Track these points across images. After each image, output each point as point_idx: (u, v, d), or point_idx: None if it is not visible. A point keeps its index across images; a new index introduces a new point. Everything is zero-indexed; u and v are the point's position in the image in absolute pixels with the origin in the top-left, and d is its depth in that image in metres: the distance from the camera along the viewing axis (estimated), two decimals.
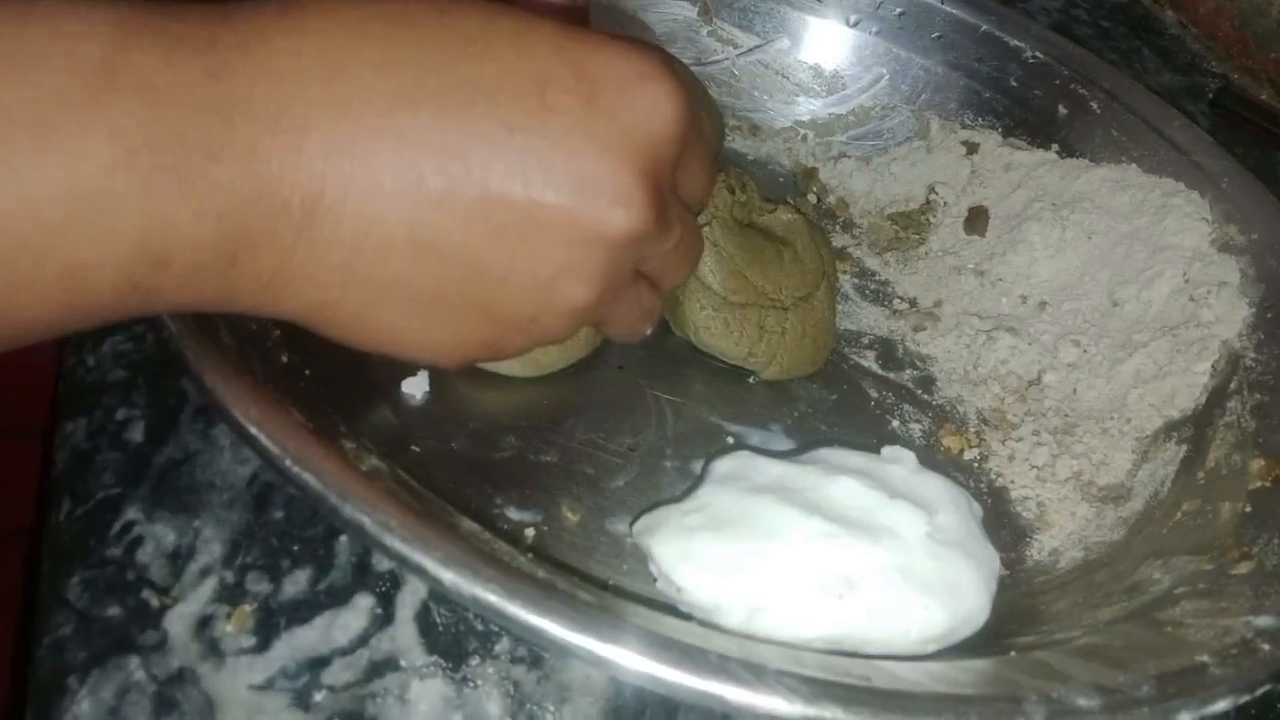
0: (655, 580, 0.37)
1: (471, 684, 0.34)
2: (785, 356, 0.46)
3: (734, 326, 0.45)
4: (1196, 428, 0.45)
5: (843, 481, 0.37)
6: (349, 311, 0.29)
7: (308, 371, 0.35)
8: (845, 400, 0.48)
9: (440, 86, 0.27)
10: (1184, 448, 0.44)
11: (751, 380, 0.47)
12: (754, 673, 0.28)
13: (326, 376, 0.36)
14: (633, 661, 0.27)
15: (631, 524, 0.39)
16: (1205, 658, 0.32)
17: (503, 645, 0.35)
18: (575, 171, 0.29)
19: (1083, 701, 0.29)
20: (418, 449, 0.39)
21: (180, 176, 0.25)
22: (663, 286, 0.37)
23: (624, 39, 0.31)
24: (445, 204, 0.28)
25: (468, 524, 0.32)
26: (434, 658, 0.34)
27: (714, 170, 0.37)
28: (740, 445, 0.44)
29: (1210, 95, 0.73)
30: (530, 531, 0.38)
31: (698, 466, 0.42)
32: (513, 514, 0.39)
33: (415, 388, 0.41)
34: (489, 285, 0.29)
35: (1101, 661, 0.32)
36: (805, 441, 0.45)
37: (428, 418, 0.41)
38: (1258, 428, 0.43)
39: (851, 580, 0.35)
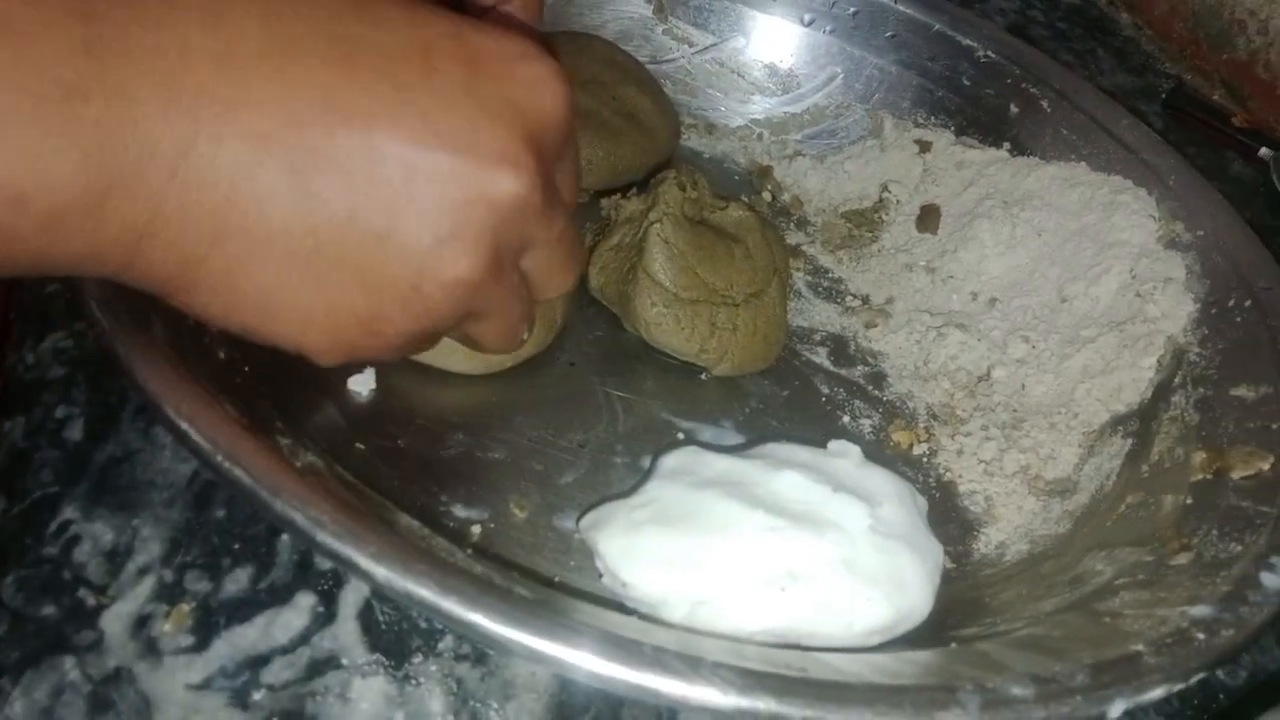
0: (601, 576, 0.37)
1: (414, 682, 0.33)
2: (736, 353, 0.46)
3: (685, 323, 0.45)
4: (1142, 422, 0.45)
5: (787, 475, 0.37)
6: (220, 269, 0.27)
7: (246, 369, 0.35)
8: (796, 396, 0.48)
9: (326, 40, 0.27)
10: (1129, 441, 0.45)
11: (703, 377, 0.47)
12: (689, 665, 0.28)
13: (267, 373, 0.36)
14: (566, 655, 0.27)
15: (579, 520, 0.39)
16: (1140, 647, 0.32)
17: (446, 643, 0.34)
18: (461, 129, 0.28)
19: (1017, 691, 0.29)
20: (362, 446, 0.39)
21: (42, 112, 0.24)
22: (544, 292, 0.35)
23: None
24: (325, 153, 0.27)
25: (405, 520, 0.31)
26: (376, 655, 0.34)
27: (579, 179, 0.36)
28: (691, 441, 0.44)
29: (1163, 95, 0.74)
30: (476, 529, 0.38)
31: (647, 462, 0.42)
32: (459, 511, 0.38)
33: (361, 385, 0.41)
34: (369, 244, 0.28)
35: (1039, 651, 0.33)
36: (756, 437, 0.45)
37: (374, 415, 0.41)
38: (1201, 421, 0.43)
39: (795, 573, 0.35)
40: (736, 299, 0.46)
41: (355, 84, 0.27)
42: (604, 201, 0.48)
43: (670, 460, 0.40)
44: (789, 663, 0.30)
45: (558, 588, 0.36)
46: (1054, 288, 0.51)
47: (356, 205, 0.27)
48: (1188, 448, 0.43)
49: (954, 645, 0.34)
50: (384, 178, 0.27)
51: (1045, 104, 0.57)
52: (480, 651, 0.34)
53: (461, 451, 0.41)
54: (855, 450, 0.40)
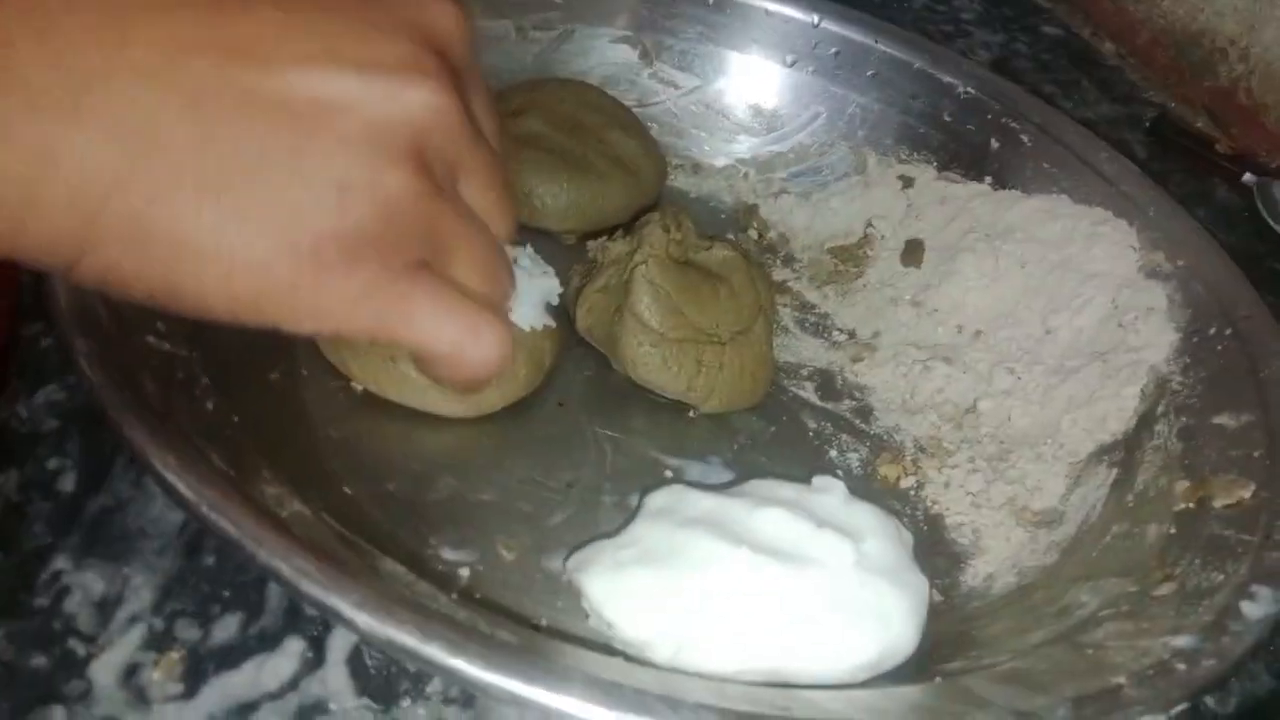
0: (588, 616, 0.37)
1: None
2: (723, 390, 0.47)
3: (671, 362, 0.45)
4: (1127, 451, 0.46)
5: (771, 512, 0.38)
6: (125, 214, 0.25)
7: (236, 419, 0.36)
8: (784, 431, 0.48)
9: None
10: (1114, 471, 0.45)
11: (692, 414, 0.47)
12: (670, 706, 0.28)
13: (255, 422, 0.36)
14: (548, 699, 0.27)
15: (565, 560, 0.39)
16: (1122, 679, 0.32)
17: (434, 686, 0.35)
18: (362, 48, 0.27)
19: None
20: (349, 491, 0.39)
21: None
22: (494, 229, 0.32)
23: None
24: (220, 88, 0.25)
25: (390, 566, 0.32)
26: (365, 700, 0.34)
27: (498, 116, 0.34)
28: (679, 479, 0.44)
29: (1147, 124, 0.75)
30: (465, 571, 0.38)
31: (635, 501, 0.42)
32: (448, 554, 0.39)
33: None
34: (284, 177, 0.26)
35: (1023, 685, 0.33)
36: (745, 473, 0.45)
37: (363, 460, 0.41)
38: (1184, 450, 0.44)
39: (779, 611, 0.35)
40: (722, 337, 0.46)
41: (243, 12, 0.26)
42: (590, 244, 0.49)
43: (656, 499, 0.40)
44: (772, 701, 0.30)
45: (544, 630, 0.36)
46: (1038, 319, 0.51)
47: (265, 142, 0.26)
48: (1171, 477, 0.43)
49: (939, 680, 0.35)
50: (289, 109, 0.26)
51: (1025, 138, 0.58)
52: (468, 694, 0.35)
53: (450, 494, 0.41)
54: (839, 486, 0.40)
